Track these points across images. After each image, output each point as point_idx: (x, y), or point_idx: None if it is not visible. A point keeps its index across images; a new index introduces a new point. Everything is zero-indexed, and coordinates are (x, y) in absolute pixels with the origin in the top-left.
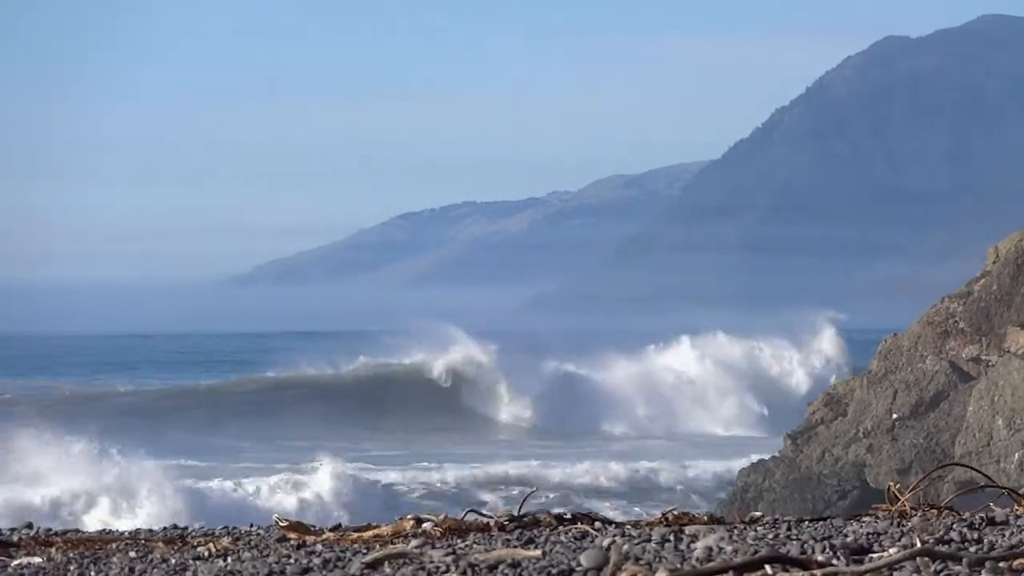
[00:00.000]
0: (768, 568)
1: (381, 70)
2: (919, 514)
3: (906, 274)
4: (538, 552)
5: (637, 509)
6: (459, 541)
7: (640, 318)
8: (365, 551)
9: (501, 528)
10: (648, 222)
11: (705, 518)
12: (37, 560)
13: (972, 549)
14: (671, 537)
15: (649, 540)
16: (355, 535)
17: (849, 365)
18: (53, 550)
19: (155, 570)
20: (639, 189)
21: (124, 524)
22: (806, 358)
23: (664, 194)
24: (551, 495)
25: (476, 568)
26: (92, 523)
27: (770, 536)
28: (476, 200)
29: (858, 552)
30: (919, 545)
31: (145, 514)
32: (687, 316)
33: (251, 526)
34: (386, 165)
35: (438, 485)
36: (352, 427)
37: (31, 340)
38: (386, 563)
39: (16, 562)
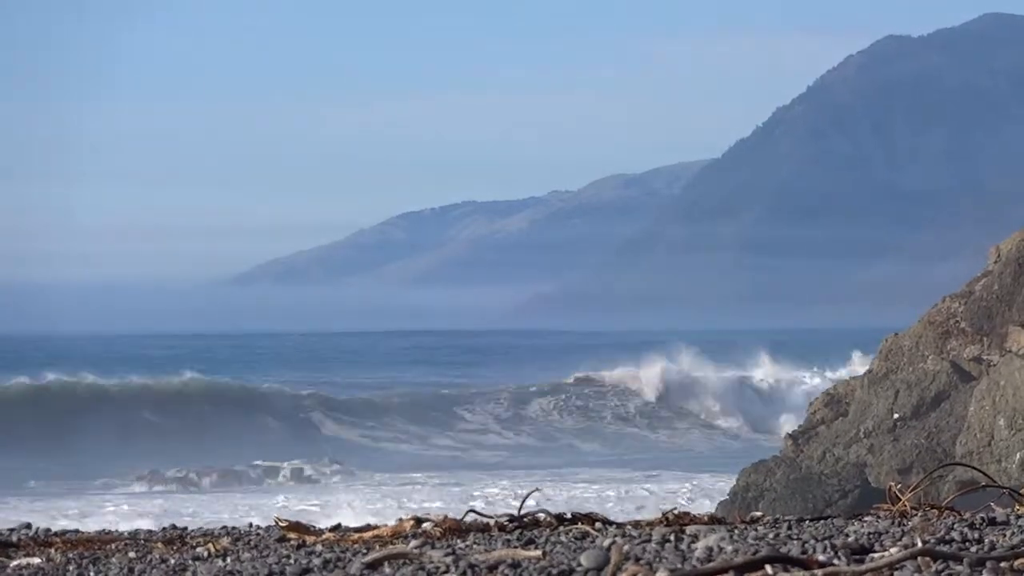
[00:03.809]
0: (769, 568)
1: (381, 70)
2: (920, 514)
3: (907, 273)
4: (538, 552)
5: None
6: (459, 541)
7: (641, 317)
8: (365, 551)
9: (501, 528)
10: (648, 222)
11: (706, 518)
12: (36, 561)
13: (973, 549)
14: (671, 537)
15: (649, 540)
16: (355, 535)
17: None
18: (52, 551)
19: (154, 570)
20: (639, 189)
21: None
22: None
23: (664, 194)
24: None
25: (476, 568)
26: None
27: (771, 536)
28: (476, 200)
29: (859, 552)
30: (920, 545)
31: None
32: (686, 316)
33: (250, 526)
34: (386, 165)
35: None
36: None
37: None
38: (386, 563)
39: (15, 563)
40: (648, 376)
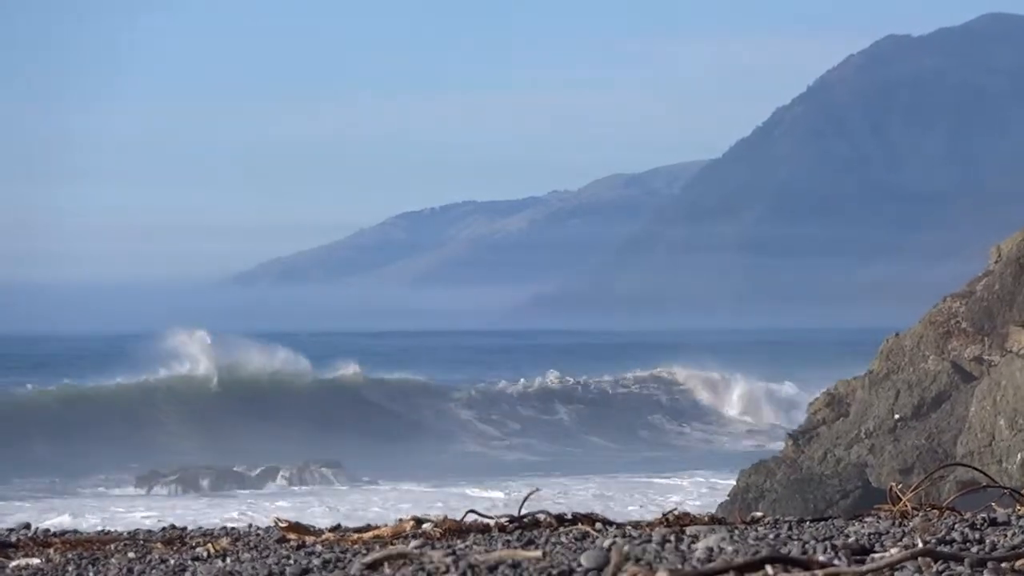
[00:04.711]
0: (769, 568)
1: (382, 71)
2: (921, 514)
3: (907, 274)
4: (538, 553)
5: None
6: (459, 542)
7: (641, 317)
8: (365, 552)
9: (501, 529)
10: (648, 222)
11: (706, 518)
12: (35, 561)
13: (974, 549)
14: (672, 537)
15: (650, 540)
16: (355, 536)
17: None
18: (51, 551)
19: (153, 571)
20: (639, 189)
21: None
22: None
23: (664, 194)
24: None
25: (476, 569)
26: None
27: (771, 536)
28: (476, 200)
29: (860, 552)
30: (921, 545)
31: None
32: (686, 316)
33: (250, 526)
34: (386, 165)
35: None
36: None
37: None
38: (386, 564)
39: (14, 563)
40: (650, 376)
